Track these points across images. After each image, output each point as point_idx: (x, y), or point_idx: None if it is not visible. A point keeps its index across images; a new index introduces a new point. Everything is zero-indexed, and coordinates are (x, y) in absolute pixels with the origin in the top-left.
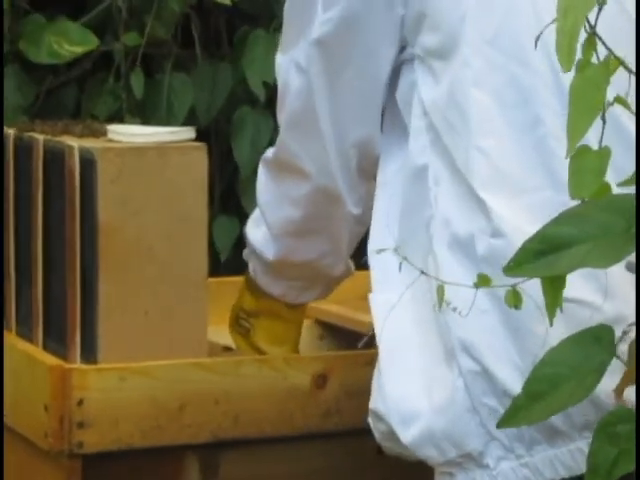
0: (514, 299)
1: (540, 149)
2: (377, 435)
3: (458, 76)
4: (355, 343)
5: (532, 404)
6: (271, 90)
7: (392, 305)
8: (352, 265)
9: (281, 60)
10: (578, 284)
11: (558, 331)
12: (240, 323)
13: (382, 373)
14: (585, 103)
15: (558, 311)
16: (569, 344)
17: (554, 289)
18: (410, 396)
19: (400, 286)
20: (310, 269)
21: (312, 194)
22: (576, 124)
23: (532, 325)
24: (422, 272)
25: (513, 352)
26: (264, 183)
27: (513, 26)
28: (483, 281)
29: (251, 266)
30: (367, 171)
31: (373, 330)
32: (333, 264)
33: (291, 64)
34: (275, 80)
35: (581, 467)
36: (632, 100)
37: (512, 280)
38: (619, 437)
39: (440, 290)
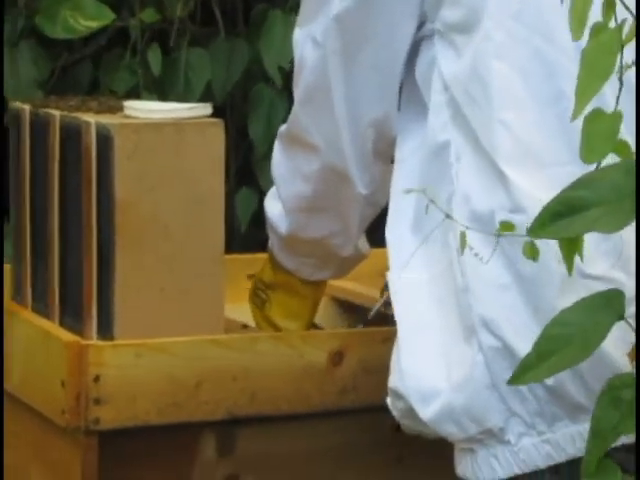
0: (531, 251)
1: (563, 123)
2: (396, 413)
3: (480, 49)
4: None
5: (541, 363)
6: (287, 68)
7: (414, 284)
8: (366, 247)
9: (298, 34)
10: (600, 261)
11: None
12: (257, 294)
13: (401, 352)
14: (596, 67)
15: (579, 287)
16: (580, 306)
17: (570, 250)
18: (429, 374)
19: (417, 262)
20: (320, 247)
21: (322, 171)
22: (585, 87)
23: (553, 301)
24: (447, 215)
25: (534, 328)
26: (278, 157)
27: (537, 1)
28: (506, 227)
29: (270, 240)
30: (383, 152)
31: (382, 301)
32: (342, 244)
33: (307, 38)
34: (291, 62)
35: None
36: None
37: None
38: (622, 402)
39: (462, 236)
